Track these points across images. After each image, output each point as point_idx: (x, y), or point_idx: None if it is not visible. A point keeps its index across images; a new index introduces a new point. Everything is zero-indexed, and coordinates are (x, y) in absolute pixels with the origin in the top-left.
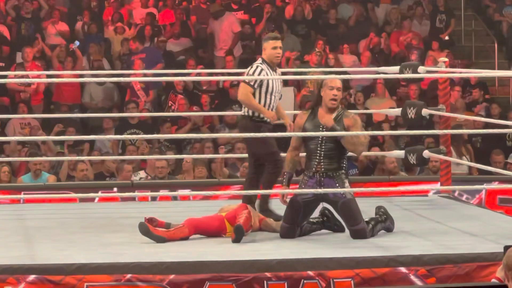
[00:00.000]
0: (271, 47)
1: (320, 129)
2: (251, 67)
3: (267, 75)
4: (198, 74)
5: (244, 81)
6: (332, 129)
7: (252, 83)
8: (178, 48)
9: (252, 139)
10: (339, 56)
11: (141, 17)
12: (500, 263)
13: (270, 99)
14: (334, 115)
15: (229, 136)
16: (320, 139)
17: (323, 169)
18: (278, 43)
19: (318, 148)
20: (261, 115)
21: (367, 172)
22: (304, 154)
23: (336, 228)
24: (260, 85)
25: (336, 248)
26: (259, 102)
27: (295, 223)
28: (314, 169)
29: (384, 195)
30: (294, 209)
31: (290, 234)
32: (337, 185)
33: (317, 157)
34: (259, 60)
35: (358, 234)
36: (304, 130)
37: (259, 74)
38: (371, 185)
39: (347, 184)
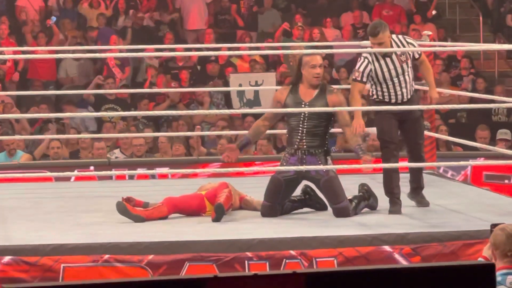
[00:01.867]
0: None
1: (302, 106)
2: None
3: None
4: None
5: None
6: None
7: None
8: (154, 23)
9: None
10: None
11: None
12: (486, 241)
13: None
14: (316, 91)
15: (219, 112)
16: (302, 116)
17: (305, 146)
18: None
19: (300, 125)
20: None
21: (350, 149)
22: (285, 131)
23: (319, 206)
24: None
25: (318, 227)
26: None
27: (277, 201)
28: (296, 146)
29: (368, 173)
30: (276, 187)
31: (272, 212)
32: (319, 162)
33: (299, 134)
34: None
35: (341, 212)
36: (285, 106)
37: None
38: (354, 162)
39: (329, 161)
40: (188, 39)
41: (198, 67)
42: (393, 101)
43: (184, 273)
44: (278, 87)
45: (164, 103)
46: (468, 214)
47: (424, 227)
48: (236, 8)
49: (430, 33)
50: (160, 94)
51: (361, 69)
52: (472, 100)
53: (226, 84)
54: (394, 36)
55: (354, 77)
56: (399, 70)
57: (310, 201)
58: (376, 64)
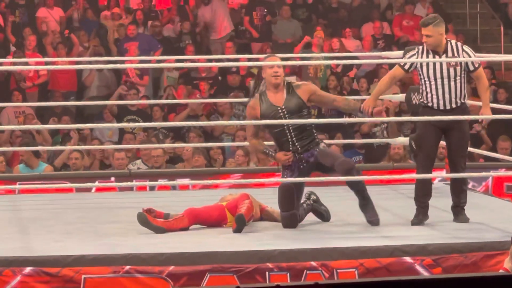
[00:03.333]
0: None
1: (279, 111)
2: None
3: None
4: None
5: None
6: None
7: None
8: (175, 34)
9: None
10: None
11: (138, 2)
12: (507, 252)
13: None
14: (284, 92)
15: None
16: (286, 125)
17: (299, 148)
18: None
19: (287, 132)
20: (425, 101)
21: (371, 160)
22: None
23: (324, 208)
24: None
25: (339, 238)
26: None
27: (295, 208)
28: (290, 151)
29: (388, 183)
30: (289, 194)
31: (294, 221)
32: (316, 151)
33: (289, 140)
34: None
35: (345, 164)
36: (263, 117)
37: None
38: (375, 172)
39: (322, 144)
40: (210, 49)
41: (219, 78)
42: (440, 107)
43: (204, 284)
44: None
45: (183, 112)
46: (489, 225)
47: (445, 238)
48: (251, 19)
49: (454, 41)
50: (181, 104)
51: (407, 56)
52: (493, 111)
53: (248, 95)
54: (453, 41)
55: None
56: (445, 73)
57: (316, 204)
58: (424, 57)
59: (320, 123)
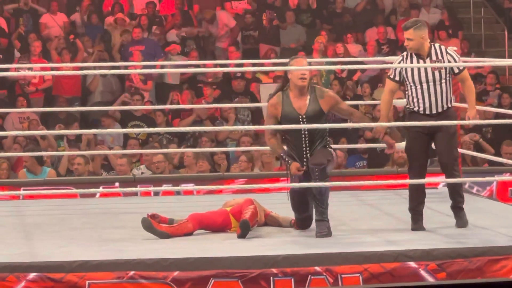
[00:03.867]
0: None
1: (299, 118)
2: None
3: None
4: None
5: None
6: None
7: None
8: (179, 39)
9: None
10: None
11: (142, 7)
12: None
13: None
14: (308, 98)
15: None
16: (303, 132)
17: (309, 155)
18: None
19: (303, 137)
20: (411, 107)
21: (375, 165)
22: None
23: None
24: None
25: (343, 243)
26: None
27: (308, 210)
28: (303, 161)
29: (392, 188)
30: (302, 197)
31: (309, 222)
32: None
33: (304, 151)
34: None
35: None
36: (283, 118)
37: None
38: (379, 177)
39: (329, 149)
40: (214, 54)
41: (224, 83)
42: (426, 111)
43: None
44: None
45: (189, 118)
46: (494, 230)
47: (450, 243)
48: (258, 23)
49: (455, 48)
50: (185, 110)
51: (394, 65)
52: (497, 116)
53: (253, 100)
54: (437, 44)
55: (388, 74)
56: (430, 77)
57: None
58: (408, 62)
59: (330, 127)
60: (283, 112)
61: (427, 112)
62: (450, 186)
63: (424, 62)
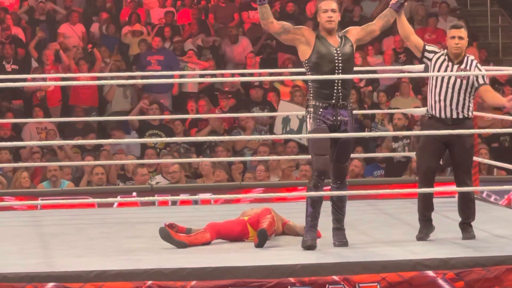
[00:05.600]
0: (450, 36)
1: (334, 52)
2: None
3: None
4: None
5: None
6: None
7: None
8: (196, 48)
9: None
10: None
11: (159, 17)
12: None
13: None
14: (337, 37)
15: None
16: (337, 64)
17: (340, 100)
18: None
19: (336, 75)
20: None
21: (393, 174)
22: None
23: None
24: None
25: (361, 252)
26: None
27: (327, 152)
28: (333, 100)
29: (410, 197)
30: (323, 138)
31: (327, 164)
32: (350, 116)
33: (335, 87)
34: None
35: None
36: (317, 54)
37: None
38: (397, 186)
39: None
40: (231, 64)
41: (242, 92)
42: (442, 115)
43: None
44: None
45: (205, 129)
46: (511, 239)
47: (467, 251)
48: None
49: (472, 57)
50: (203, 119)
51: (430, 49)
52: None
53: (271, 109)
54: (471, 56)
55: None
56: (452, 82)
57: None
58: (439, 61)
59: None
60: (317, 47)
61: (443, 116)
62: (463, 201)
63: (453, 66)
